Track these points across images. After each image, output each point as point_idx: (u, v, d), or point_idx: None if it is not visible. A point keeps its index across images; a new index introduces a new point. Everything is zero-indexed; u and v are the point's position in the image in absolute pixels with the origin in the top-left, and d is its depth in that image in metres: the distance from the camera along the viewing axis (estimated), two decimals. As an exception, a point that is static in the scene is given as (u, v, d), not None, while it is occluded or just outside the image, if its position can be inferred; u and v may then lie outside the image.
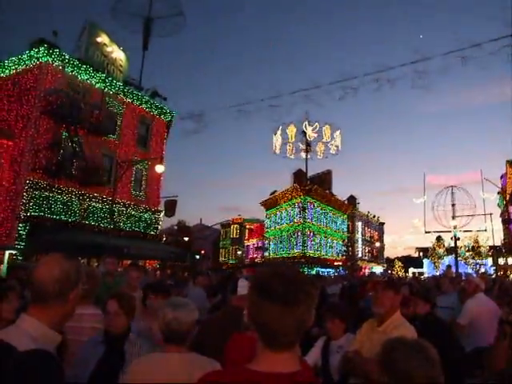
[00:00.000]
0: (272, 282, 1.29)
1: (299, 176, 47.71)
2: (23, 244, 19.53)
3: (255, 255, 55.04)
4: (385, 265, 69.84)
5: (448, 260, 49.92)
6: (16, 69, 22.74)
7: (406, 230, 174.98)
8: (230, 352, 2.92)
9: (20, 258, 18.18)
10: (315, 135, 46.27)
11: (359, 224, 61.74)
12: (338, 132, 47.88)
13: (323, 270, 40.83)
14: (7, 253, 18.16)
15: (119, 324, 3.11)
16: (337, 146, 47.28)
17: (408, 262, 66.76)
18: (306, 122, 46.18)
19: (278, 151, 46.54)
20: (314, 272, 36.22)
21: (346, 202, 56.35)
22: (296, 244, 44.76)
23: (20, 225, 19.83)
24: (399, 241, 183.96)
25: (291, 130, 46.04)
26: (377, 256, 68.20)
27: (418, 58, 13.54)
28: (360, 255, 60.42)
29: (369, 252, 65.18)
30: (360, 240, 61.55)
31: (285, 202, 47.74)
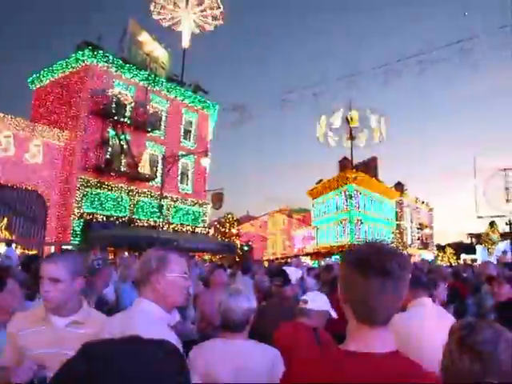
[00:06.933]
0: (371, 256, 1.25)
1: (344, 164, 47.12)
2: (78, 240, 20.37)
3: (303, 245, 54.78)
4: (435, 252, 67.85)
5: (503, 246, 47.86)
6: (64, 72, 23.52)
7: (457, 215, 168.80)
8: (279, 340, 2.97)
9: (76, 253, 18.91)
10: (358, 123, 45.44)
11: (407, 210, 60.20)
12: (382, 119, 46.78)
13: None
14: (64, 248, 18.93)
15: None
16: (381, 133, 46.23)
17: (460, 248, 64.62)
18: (349, 109, 45.39)
19: (321, 140, 46.03)
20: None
21: (393, 189, 55.16)
22: (344, 233, 44.30)
23: (74, 221, 20.66)
24: (450, 227, 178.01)
25: (335, 118, 45.34)
26: (427, 243, 66.33)
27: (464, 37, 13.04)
28: (410, 242, 59.00)
29: (419, 239, 63.49)
30: (409, 227, 60.08)
31: (331, 191, 47.30)
